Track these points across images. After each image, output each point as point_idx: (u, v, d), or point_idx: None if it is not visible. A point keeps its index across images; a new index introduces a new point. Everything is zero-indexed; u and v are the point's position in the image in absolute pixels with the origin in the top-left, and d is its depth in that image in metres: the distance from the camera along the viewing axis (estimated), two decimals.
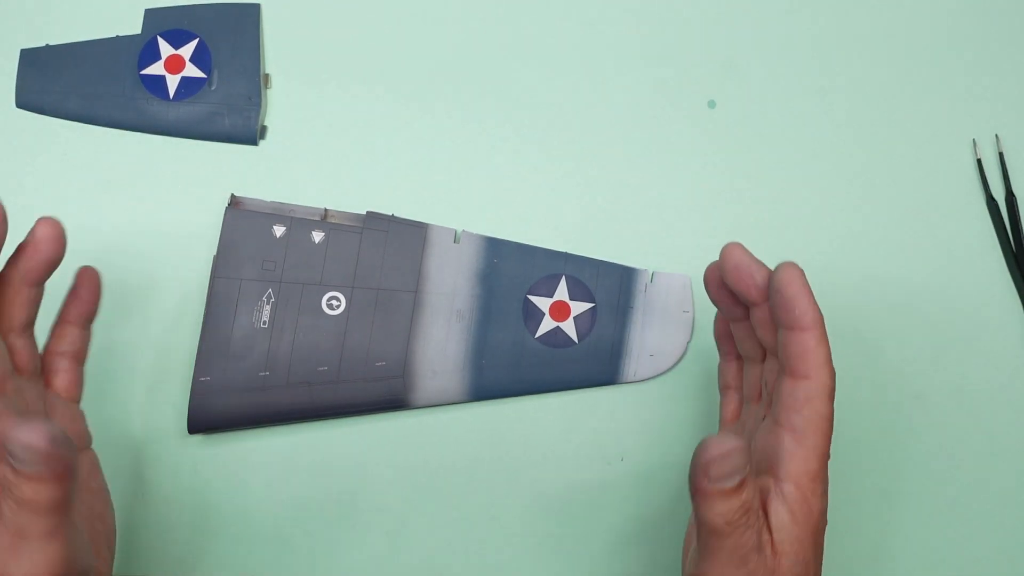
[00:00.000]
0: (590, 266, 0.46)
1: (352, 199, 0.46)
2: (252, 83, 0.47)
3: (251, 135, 0.46)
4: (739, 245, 0.34)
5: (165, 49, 0.47)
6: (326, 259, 0.44)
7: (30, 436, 0.29)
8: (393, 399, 0.44)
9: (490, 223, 0.46)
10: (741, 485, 0.30)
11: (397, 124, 0.47)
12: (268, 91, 0.47)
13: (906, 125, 0.48)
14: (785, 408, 0.33)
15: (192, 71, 0.47)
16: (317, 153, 0.47)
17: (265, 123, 0.47)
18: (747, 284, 0.34)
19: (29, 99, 0.47)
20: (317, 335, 0.43)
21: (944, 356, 0.47)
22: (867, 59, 0.49)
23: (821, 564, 0.33)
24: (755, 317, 0.35)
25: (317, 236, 0.44)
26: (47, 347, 0.37)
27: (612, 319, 0.45)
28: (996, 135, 0.48)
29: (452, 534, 0.45)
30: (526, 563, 0.45)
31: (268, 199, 0.45)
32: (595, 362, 0.45)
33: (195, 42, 0.47)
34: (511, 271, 0.45)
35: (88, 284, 0.37)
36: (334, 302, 0.44)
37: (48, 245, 0.34)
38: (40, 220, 0.34)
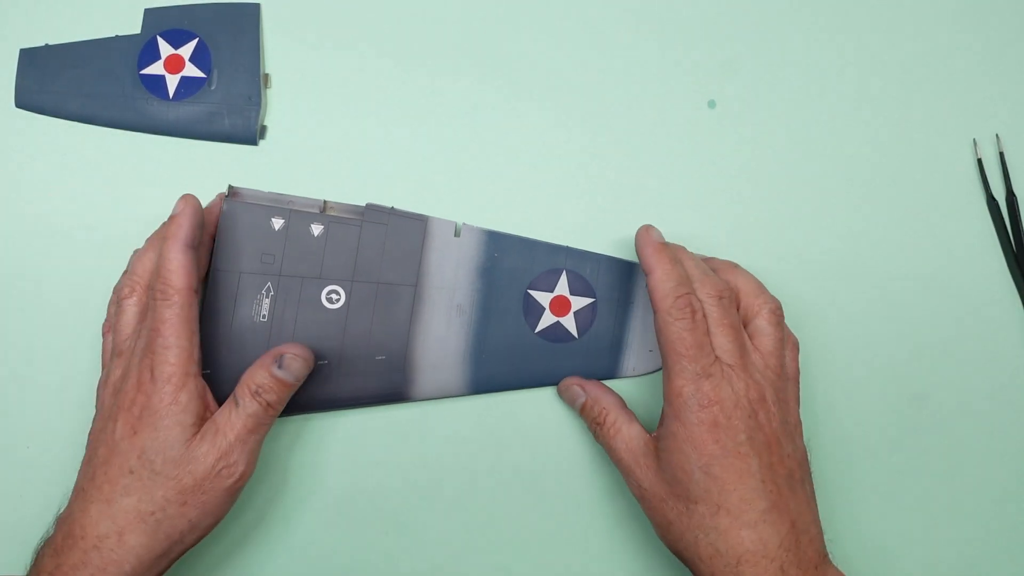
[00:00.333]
0: (591, 260, 0.46)
1: (352, 193, 0.46)
2: (252, 83, 0.47)
3: (251, 135, 0.46)
4: (645, 227, 0.43)
5: (165, 49, 0.47)
6: (325, 252, 0.43)
7: (307, 352, 0.41)
8: (393, 393, 0.44)
9: (491, 216, 0.46)
10: (583, 408, 0.43)
11: (398, 116, 0.47)
12: (268, 91, 0.47)
13: (906, 125, 0.48)
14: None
15: (192, 71, 0.47)
16: (317, 153, 0.47)
17: (265, 123, 0.47)
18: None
19: (29, 99, 0.47)
20: (317, 329, 0.43)
21: (944, 356, 0.47)
22: (867, 59, 0.49)
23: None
24: None
25: (316, 229, 0.43)
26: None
27: (612, 314, 0.45)
28: (996, 135, 0.48)
29: (450, 526, 0.44)
30: (523, 554, 0.45)
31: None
32: (594, 356, 0.45)
33: (195, 42, 0.47)
34: (512, 265, 0.45)
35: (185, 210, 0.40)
36: (334, 296, 0.44)
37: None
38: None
